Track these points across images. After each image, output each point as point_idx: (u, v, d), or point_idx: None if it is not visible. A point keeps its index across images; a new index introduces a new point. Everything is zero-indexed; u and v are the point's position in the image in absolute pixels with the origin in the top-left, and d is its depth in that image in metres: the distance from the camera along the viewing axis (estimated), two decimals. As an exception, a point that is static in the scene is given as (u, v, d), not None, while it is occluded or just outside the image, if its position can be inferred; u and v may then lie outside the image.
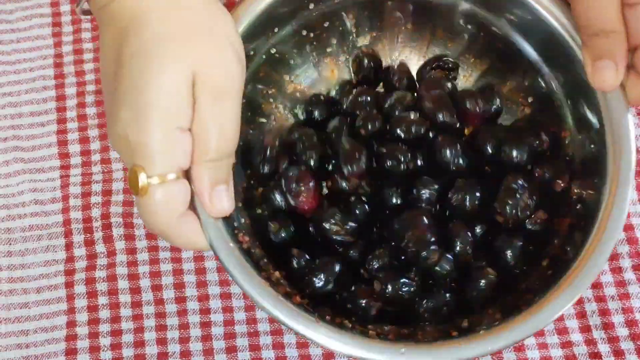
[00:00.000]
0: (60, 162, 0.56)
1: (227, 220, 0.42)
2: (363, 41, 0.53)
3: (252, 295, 0.40)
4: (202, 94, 0.38)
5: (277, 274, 0.44)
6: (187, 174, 0.40)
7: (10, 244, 0.54)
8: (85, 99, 0.58)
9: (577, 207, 0.45)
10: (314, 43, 0.52)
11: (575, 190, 0.46)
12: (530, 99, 0.50)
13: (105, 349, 0.51)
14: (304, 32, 0.51)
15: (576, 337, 0.50)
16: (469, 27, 0.51)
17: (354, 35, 0.52)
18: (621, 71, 0.42)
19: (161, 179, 0.38)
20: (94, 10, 0.41)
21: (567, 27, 0.45)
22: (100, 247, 0.54)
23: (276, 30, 0.49)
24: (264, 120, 0.51)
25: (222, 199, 0.40)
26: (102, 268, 0.53)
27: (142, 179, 0.38)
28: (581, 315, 0.51)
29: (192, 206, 0.41)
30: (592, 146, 0.45)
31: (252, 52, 0.48)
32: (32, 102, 0.58)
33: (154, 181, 0.38)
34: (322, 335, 0.40)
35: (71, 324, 0.52)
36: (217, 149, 0.39)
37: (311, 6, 0.49)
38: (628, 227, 0.53)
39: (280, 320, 0.40)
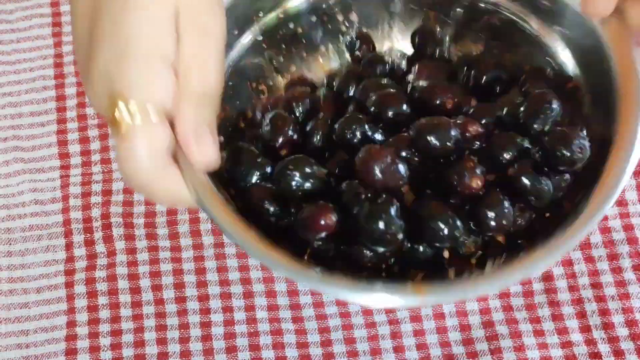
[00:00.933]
0: (60, 162, 0.56)
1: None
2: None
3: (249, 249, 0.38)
4: (185, 30, 0.36)
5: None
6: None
7: (10, 244, 0.54)
8: (85, 99, 0.58)
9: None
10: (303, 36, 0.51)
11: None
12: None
13: (105, 349, 0.51)
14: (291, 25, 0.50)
15: (576, 337, 0.50)
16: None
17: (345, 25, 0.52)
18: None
19: (143, 117, 0.35)
20: None
21: None
22: (100, 247, 0.54)
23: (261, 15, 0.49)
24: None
25: (207, 143, 0.37)
26: (102, 268, 0.53)
27: (122, 108, 0.35)
28: (581, 315, 0.51)
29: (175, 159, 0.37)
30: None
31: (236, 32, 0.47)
32: (32, 102, 0.58)
33: (137, 121, 0.35)
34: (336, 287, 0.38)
35: (71, 324, 0.52)
36: (200, 85, 0.37)
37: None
38: (628, 227, 0.53)
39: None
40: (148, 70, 0.35)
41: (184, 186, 0.37)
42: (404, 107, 0.45)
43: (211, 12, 0.38)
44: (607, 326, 0.51)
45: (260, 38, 0.49)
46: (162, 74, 0.36)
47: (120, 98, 0.35)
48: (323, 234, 0.41)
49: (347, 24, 0.52)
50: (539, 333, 0.50)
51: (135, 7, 0.36)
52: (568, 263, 0.52)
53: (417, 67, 0.49)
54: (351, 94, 0.49)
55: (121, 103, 0.35)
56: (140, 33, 0.36)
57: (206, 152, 0.37)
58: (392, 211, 0.40)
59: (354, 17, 0.52)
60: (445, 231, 0.41)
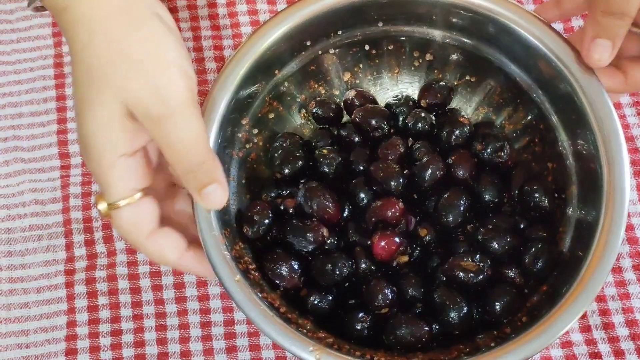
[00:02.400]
0: (61, 162, 0.56)
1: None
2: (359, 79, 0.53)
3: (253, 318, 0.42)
4: (141, 120, 0.39)
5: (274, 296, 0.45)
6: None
7: (10, 244, 0.54)
8: (85, 99, 0.58)
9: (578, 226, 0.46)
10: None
11: (576, 212, 0.46)
12: (526, 127, 0.51)
13: (105, 349, 0.51)
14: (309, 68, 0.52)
15: (576, 337, 0.50)
16: (461, 58, 0.51)
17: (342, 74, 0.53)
18: (614, 53, 0.43)
19: (125, 201, 0.40)
20: (54, 14, 0.41)
21: (557, 54, 0.46)
22: (100, 247, 0.54)
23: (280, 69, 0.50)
24: None
25: (211, 198, 0.40)
26: (102, 268, 0.53)
27: (102, 207, 0.40)
28: (581, 315, 0.51)
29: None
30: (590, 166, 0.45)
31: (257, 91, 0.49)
32: (32, 102, 0.58)
33: (121, 203, 0.40)
34: None
35: (71, 324, 0.52)
36: (180, 163, 0.40)
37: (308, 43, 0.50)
38: (628, 227, 0.53)
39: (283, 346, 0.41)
40: (113, 171, 0.40)
41: (167, 249, 0.42)
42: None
43: (160, 97, 0.39)
44: (607, 326, 0.51)
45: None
46: (127, 167, 0.40)
47: (99, 199, 0.41)
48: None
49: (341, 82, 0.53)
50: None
51: (86, 103, 0.39)
52: (568, 263, 0.52)
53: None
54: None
55: (101, 203, 0.40)
56: (95, 138, 0.40)
57: (213, 203, 0.40)
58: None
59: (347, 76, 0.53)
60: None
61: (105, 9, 0.39)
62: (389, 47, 0.52)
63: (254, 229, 0.46)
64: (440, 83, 0.51)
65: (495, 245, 0.46)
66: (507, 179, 0.50)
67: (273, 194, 0.49)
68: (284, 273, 0.45)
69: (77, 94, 0.40)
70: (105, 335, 0.51)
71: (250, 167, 0.50)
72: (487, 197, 0.48)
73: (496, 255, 0.46)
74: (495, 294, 0.45)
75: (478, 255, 0.45)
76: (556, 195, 0.48)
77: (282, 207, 0.47)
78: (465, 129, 0.50)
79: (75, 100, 0.40)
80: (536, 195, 0.47)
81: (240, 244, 0.45)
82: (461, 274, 0.45)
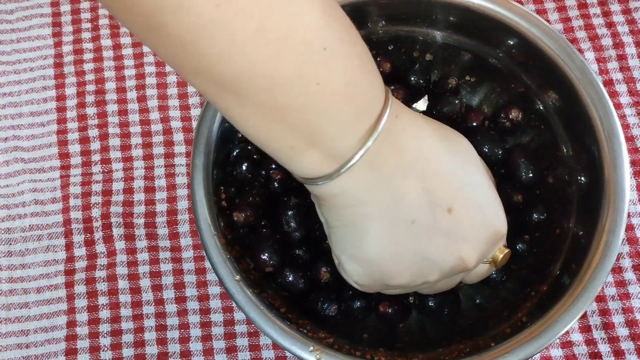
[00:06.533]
0: (61, 162, 0.56)
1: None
2: None
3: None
4: None
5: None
6: None
7: (10, 244, 0.54)
8: (85, 99, 0.58)
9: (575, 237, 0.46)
10: None
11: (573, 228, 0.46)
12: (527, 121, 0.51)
13: (105, 349, 0.51)
14: None
15: (576, 337, 0.50)
16: (461, 58, 0.51)
17: None
18: None
19: None
20: (324, 195, 0.38)
21: (560, 55, 0.46)
22: (100, 247, 0.54)
23: None
24: None
25: None
26: (102, 268, 0.53)
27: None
28: (581, 315, 0.51)
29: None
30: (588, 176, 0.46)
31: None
32: (32, 102, 0.58)
33: None
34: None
35: (71, 324, 0.52)
36: None
37: None
38: (628, 227, 0.53)
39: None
40: None
41: None
42: None
43: None
44: (607, 326, 0.51)
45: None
46: None
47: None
48: None
49: None
50: (539, 333, 0.50)
51: None
52: (568, 263, 0.52)
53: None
54: None
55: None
56: None
57: None
58: None
59: None
60: None
61: None
62: (389, 47, 0.52)
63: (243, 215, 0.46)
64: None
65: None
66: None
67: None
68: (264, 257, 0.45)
69: None
70: (105, 335, 0.51)
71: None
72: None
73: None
74: None
75: None
76: (556, 196, 0.48)
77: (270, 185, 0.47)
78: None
79: None
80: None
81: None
82: None
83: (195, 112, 0.57)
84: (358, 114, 0.34)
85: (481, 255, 0.40)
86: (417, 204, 0.37)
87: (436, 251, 0.38)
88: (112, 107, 0.58)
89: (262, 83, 0.31)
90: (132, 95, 0.58)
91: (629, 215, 0.53)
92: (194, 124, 0.57)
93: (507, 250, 0.43)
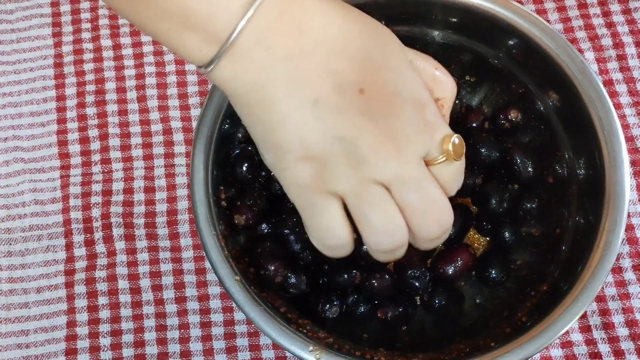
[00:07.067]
0: (61, 162, 0.56)
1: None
2: None
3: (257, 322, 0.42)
4: None
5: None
6: None
7: (10, 244, 0.54)
8: (85, 99, 0.58)
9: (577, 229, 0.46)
10: None
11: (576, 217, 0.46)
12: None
13: (105, 349, 0.51)
14: None
15: (576, 337, 0.50)
16: (461, 58, 0.51)
17: None
18: None
19: None
20: (220, 84, 0.38)
21: (560, 55, 0.46)
22: (100, 247, 0.54)
23: None
24: None
25: None
26: (102, 268, 0.53)
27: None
28: (581, 315, 0.51)
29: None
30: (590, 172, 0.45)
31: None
32: (32, 102, 0.58)
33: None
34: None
35: (71, 324, 0.52)
36: None
37: None
38: (628, 227, 0.53)
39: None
40: None
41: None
42: None
43: None
44: (607, 326, 0.51)
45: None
46: None
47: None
48: None
49: None
50: (539, 333, 0.50)
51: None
52: (568, 263, 0.52)
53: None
54: None
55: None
56: None
57: None
58: None
59: None
60: None
61: None
62: None
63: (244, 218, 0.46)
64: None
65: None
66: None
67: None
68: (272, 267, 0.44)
69: None
70: (105, 335, 0.51)
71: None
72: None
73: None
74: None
75: None
76: (556, 197, 0.48)
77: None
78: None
79: None
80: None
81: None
82: None
83: (195, 112, 0.57)
84: None
85: (410, 138, 0.37)
86: (318, 84, 0.36)
87: (350, 133, 0.36)
88: (112, 107, 0.58)
89: None
90: (132, 95, 0.58)
91: (629, 215, 0.53)
92: (194, 124, 0.57)
93: (455, 136, 0.38)
